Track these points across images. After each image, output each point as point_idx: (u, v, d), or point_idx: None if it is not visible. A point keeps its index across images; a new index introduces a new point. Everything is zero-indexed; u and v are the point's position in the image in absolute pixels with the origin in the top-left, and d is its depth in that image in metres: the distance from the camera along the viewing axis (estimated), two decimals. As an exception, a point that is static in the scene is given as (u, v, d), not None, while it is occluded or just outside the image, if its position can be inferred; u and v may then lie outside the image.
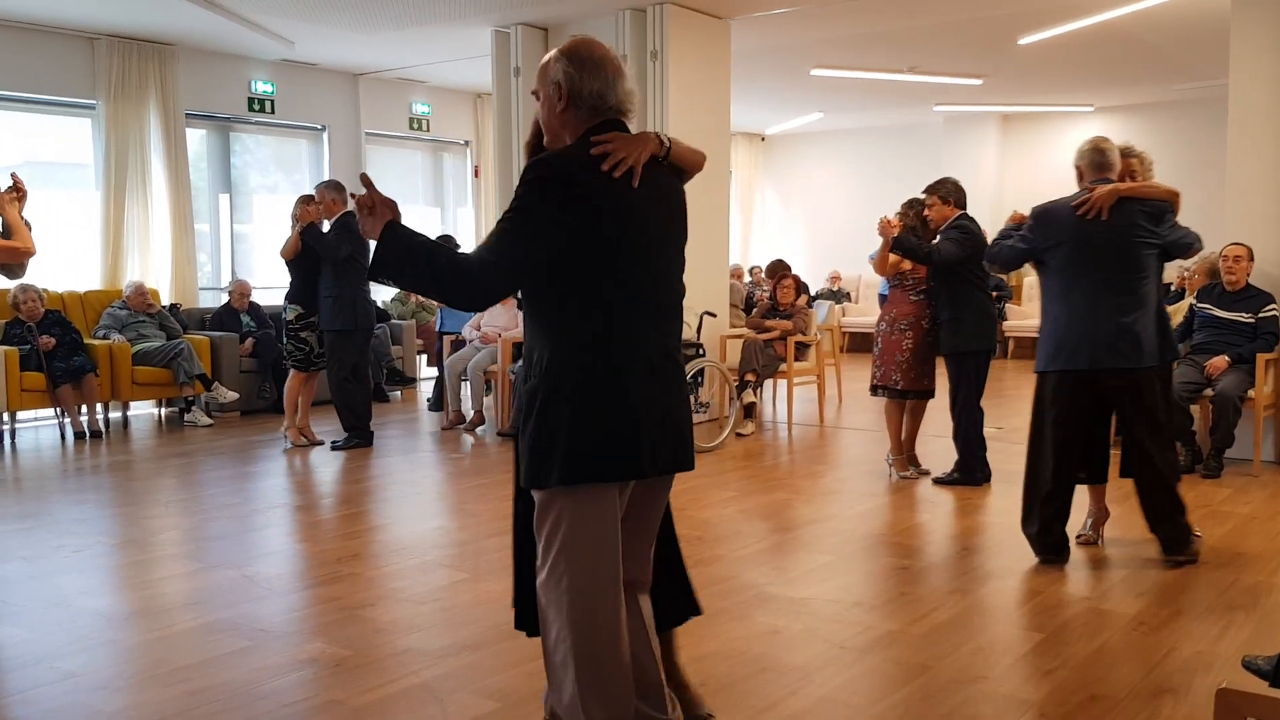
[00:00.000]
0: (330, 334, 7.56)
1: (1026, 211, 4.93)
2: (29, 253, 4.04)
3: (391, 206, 2.45)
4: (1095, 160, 4.70)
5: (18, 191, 4.08)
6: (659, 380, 2.55)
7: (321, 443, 7.80)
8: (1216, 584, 4.46)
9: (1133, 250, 4.59)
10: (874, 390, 6.55)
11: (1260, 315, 6.73)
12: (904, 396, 6.43)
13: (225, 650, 3.79)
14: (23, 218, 4.05)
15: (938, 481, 6.38)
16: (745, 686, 3.45)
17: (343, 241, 7.42)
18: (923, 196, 6.31)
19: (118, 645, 3.90)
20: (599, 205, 2.44)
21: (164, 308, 9.44)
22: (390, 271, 2.42)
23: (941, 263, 6.04)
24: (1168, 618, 4.10)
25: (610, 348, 2.48)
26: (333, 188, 7.67)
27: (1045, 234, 4.71)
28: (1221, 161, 7.33)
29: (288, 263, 7.68)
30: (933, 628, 4.00)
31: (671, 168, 2.66)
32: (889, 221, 6.11)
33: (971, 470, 6.30)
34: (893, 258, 6.25)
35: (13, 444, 8.06)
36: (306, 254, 7.52)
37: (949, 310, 6.15)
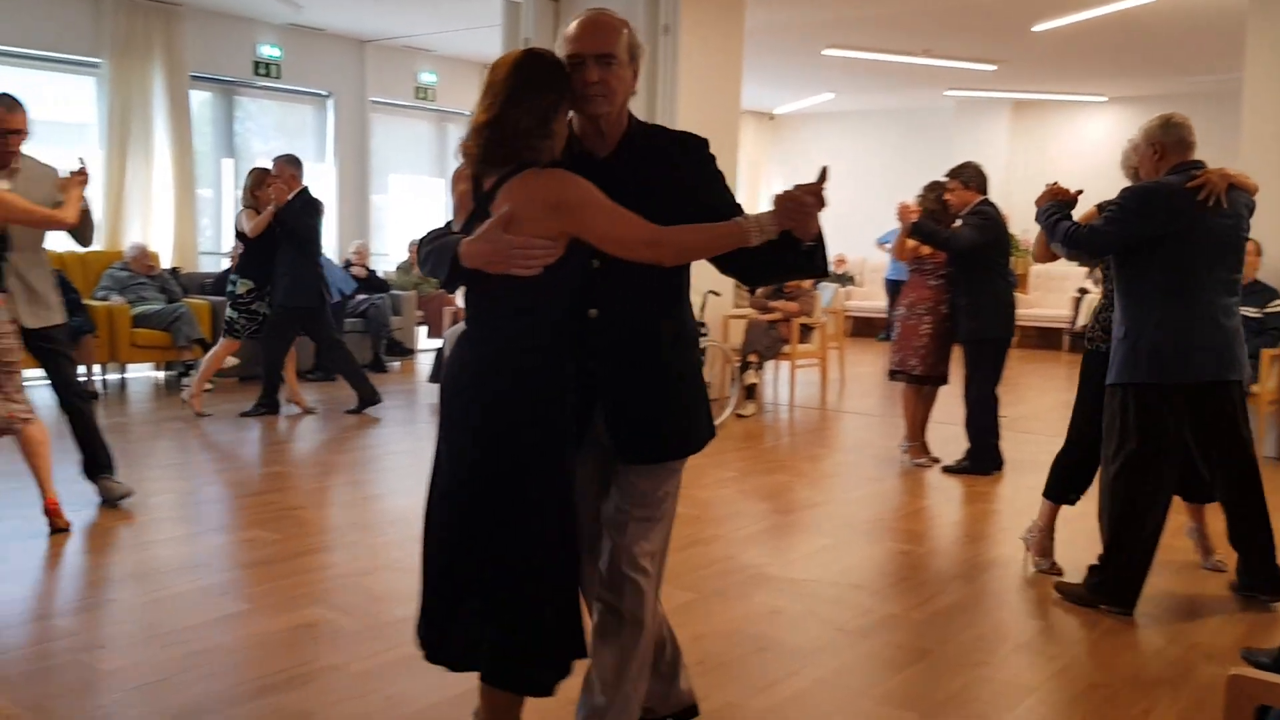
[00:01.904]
0: (289, 311, 7.53)
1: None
2: (63, 225, 4.71)
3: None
4: (1182, 138, 4.01)
5: (80, 177, 4.77)
6: None
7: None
8: (1216, 576, 4.44)
9: (1240, 246, 4.03)
10: (891, 375, 6.51)
11: (1266, 310, 6.69)
12: (920, 382, 6.38)
13: (223, 613, 3.77)
14: (81, 198, 4.77)
15: (948, 470, 6.32)
16: (743, 665, 3.43)
17: (312, 218, 7.49)
18: (944, 180, 6.24)
19: (115, 606, 3.89)
20: None
21: (165, 271, 9.40)
22: (822, 264, 2.44)
23: (961, 248, 5.99)
24: (1167, 608, 4.08)
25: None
26: (293, 163, 7.57)
27: (1156, 219, 3.89)
28: (1234, 156, 7.27)
29: (240, 235, 7.62)
30: (934, 613, 3.98)
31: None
32: (908, 207, 6.07)
33: (982, 459, 6.24)
34: (911, 242, 6.20)
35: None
36: (268, 230, 7.45)
37: (968, 297, 6.08)
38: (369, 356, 10.21)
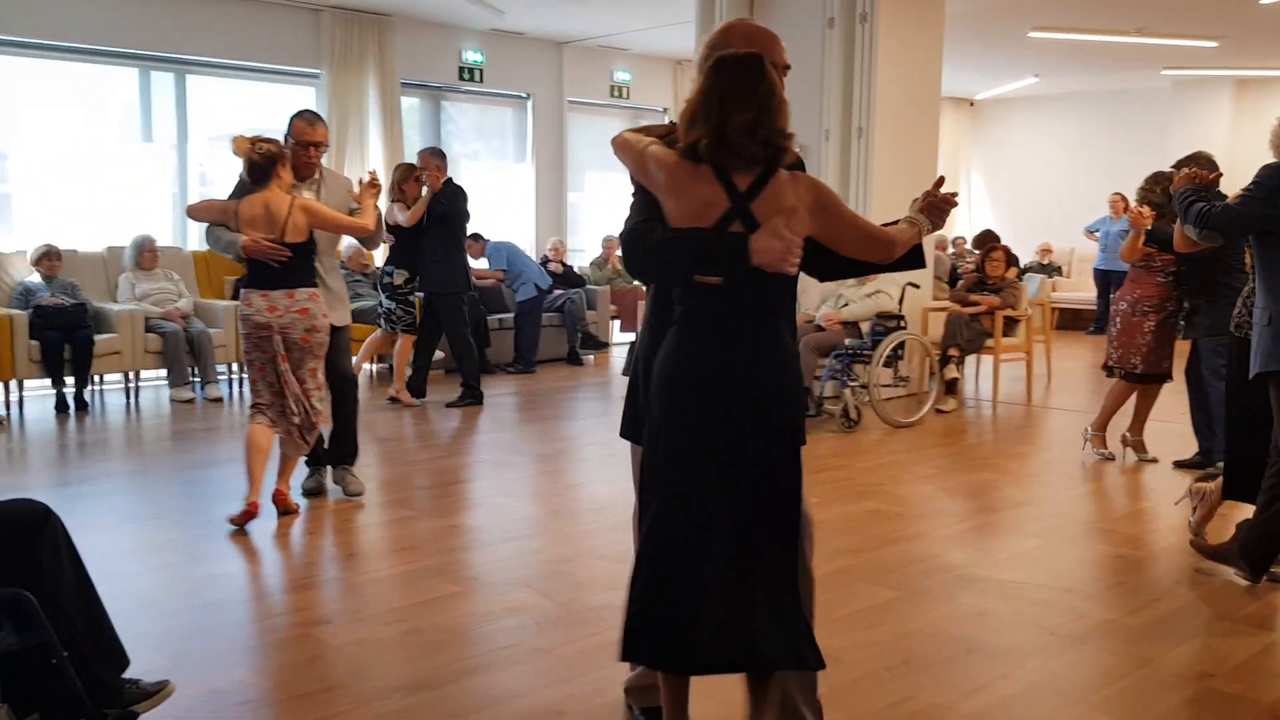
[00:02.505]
0: (442, 296, 7.79)
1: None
2: (365, 231, 5.01)
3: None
4: None
5: (374, 186, 5.05)
6: None
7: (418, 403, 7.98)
8: None
9: None
10: (1108, 371, 6.22)
11: None
12: (1141, 380, 6.08)
13: (437, 594, 3.95)
14: (376, 206, 5.06)
15: (1181, 465, 6.02)
16: (950, 667, 3.35)
17: (463, 203, 7.78)
18: (1169, 171, 5.85)
19: (338, 584, 4.13)
20: None
21: (377, 268, 9.87)
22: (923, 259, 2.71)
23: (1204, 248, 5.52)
24: None
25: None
26: (437, 154, 7.79)
27: None
28: None
29: (394, 228, 7.77)
30: (1154, 619, 3.78)
31: None
32: (1140, 212, 5.76)
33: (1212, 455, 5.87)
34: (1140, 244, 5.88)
35: (240, 393, 8.60)
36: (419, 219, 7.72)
37: (1206, 294, 5.61)
38: (564, 350, 10.48)
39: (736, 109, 2.36)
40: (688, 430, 2.42)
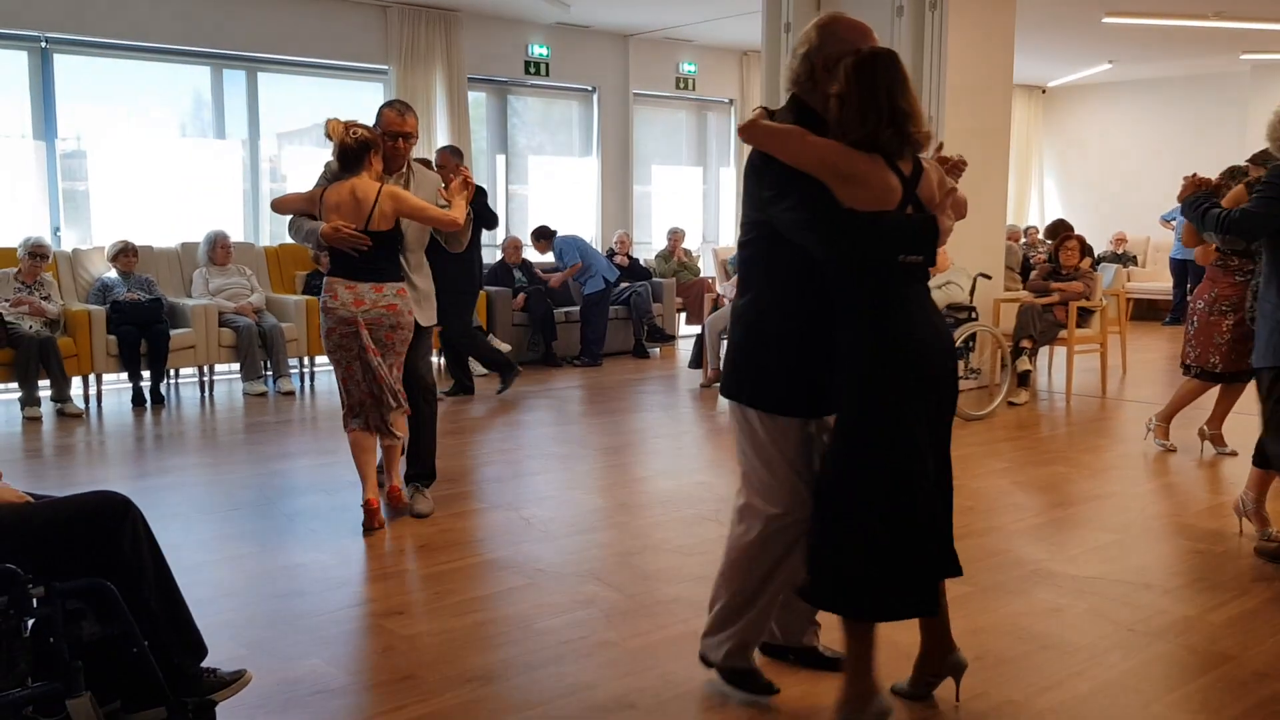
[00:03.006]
0: (458, 295, 7.50)
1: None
2: (454, 224, 4.71)
3: None
4: None
5: (467, 185, 4.80)
6: None
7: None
8: None
9: None
10: (1186, 369, 6.06)
11: None
12: (1221, 380, 5.92)
13: (507, 586, 3.97)
14: (466, 204, 4.79)
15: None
16: (1025, 663, 3.30)
17: (486, 201, 7.68)
18: (1245, 165, 5.67)
19: (409, 576, 4.17)
20: None
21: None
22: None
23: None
24: None
25: None
26: (456, 153, 7.61)
27: None
28: None
29: None
30: (1236, 616, 3.68)
31: None
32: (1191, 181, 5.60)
33: None
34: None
35: (311, 386, 8.74)
36: None
37: None
38: (630, 343, 10.50)
39: (902, 100, 2.64)
40: (919, 390, 2.70)
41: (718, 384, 8.65)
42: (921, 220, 2.67)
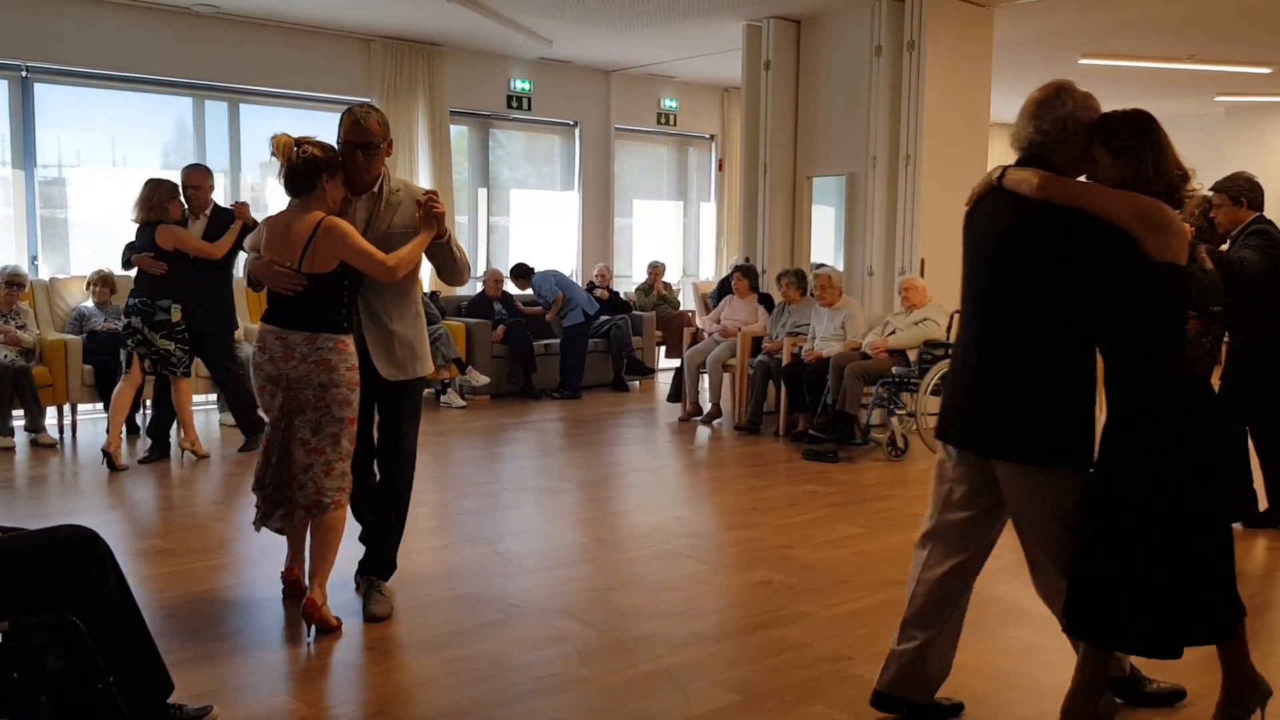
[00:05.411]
0: (218, 336, 6.91)
1: None
2: (390, 274, 3.81)
3: None
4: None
5: (434, 213, 3.93)
6: (964, 372, 3.04)
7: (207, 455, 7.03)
8: None
9: None
10: None
11: None
12: None
13: (479, 622, 3.95)
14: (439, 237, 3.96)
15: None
16: (997, 701, 3.30)
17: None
18: (1209, 195, 5.68)
19: (381, 610, 4.13)
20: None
21: (425, 294, 9.97)
22: None
23: (1244, 274, 5.15)
24: None
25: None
26: (210, 174, 6.98)
27: None
28: None
29: (169, 255, 6.54)
30: (1203, 655, 3.68)
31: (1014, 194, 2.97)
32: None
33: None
34: None
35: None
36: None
37: (1257, 329, 5.28)
38: (610, 376, 10.51)
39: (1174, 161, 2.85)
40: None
41: (696, 418, 8.72)
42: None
